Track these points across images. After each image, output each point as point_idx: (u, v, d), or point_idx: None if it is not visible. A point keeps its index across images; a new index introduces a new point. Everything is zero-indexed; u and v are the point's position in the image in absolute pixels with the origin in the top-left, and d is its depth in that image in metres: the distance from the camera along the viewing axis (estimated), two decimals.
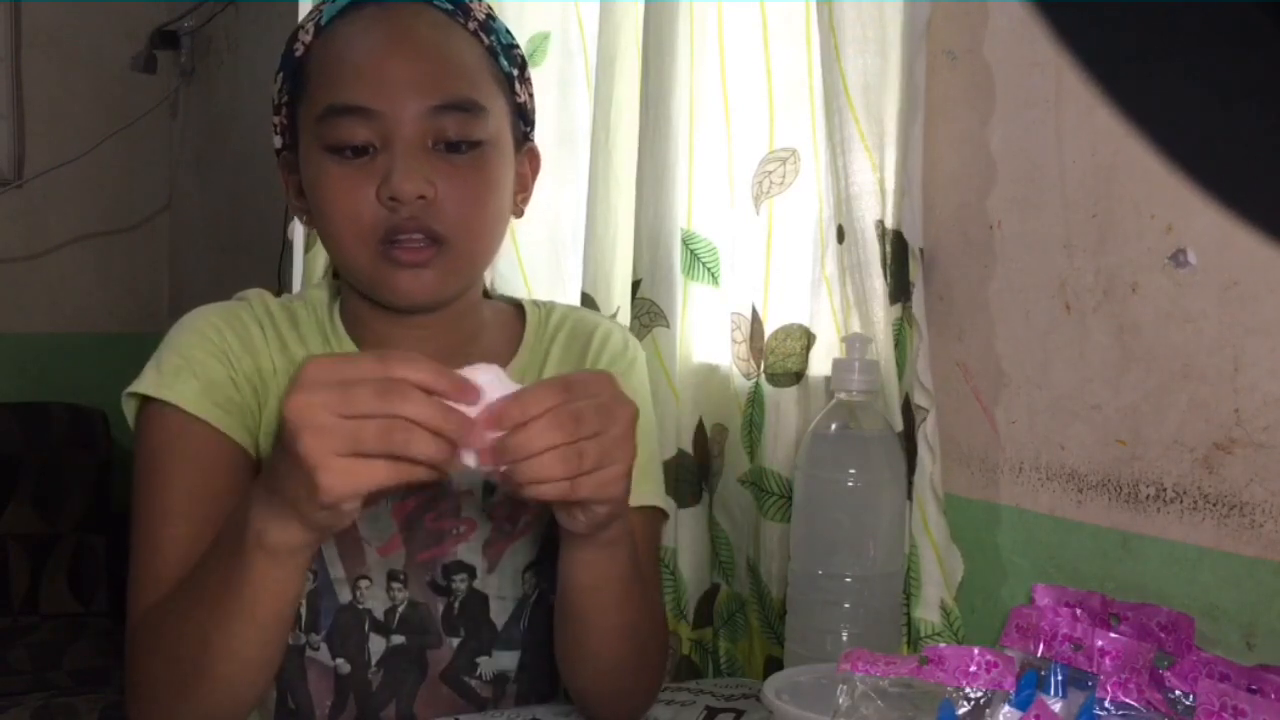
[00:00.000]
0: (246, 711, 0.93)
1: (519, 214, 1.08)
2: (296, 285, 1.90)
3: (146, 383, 0.99)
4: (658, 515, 1.10)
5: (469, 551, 1.05)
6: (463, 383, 0.77)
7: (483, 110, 0.99)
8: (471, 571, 1.05)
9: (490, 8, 1.05)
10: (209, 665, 0.86)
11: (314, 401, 0.75)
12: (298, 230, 1.90)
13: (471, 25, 1.01)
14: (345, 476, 0.75)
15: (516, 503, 1.06)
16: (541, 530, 1.07)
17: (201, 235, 3.18)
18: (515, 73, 1.05)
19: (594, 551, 0.91)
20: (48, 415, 2.88)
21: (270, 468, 0.82)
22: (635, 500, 1.04)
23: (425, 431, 0.75)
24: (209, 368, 1.00)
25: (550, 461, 0.78)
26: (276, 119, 1.05)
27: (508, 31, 1.06)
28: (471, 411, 0.78)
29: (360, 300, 1.04)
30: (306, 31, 1.02)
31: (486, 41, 1.02)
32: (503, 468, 0.79)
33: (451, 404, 0.77)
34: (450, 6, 1.01)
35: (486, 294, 1.13)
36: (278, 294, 1.10)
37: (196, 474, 0.97)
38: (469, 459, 0.78)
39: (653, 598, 1.04)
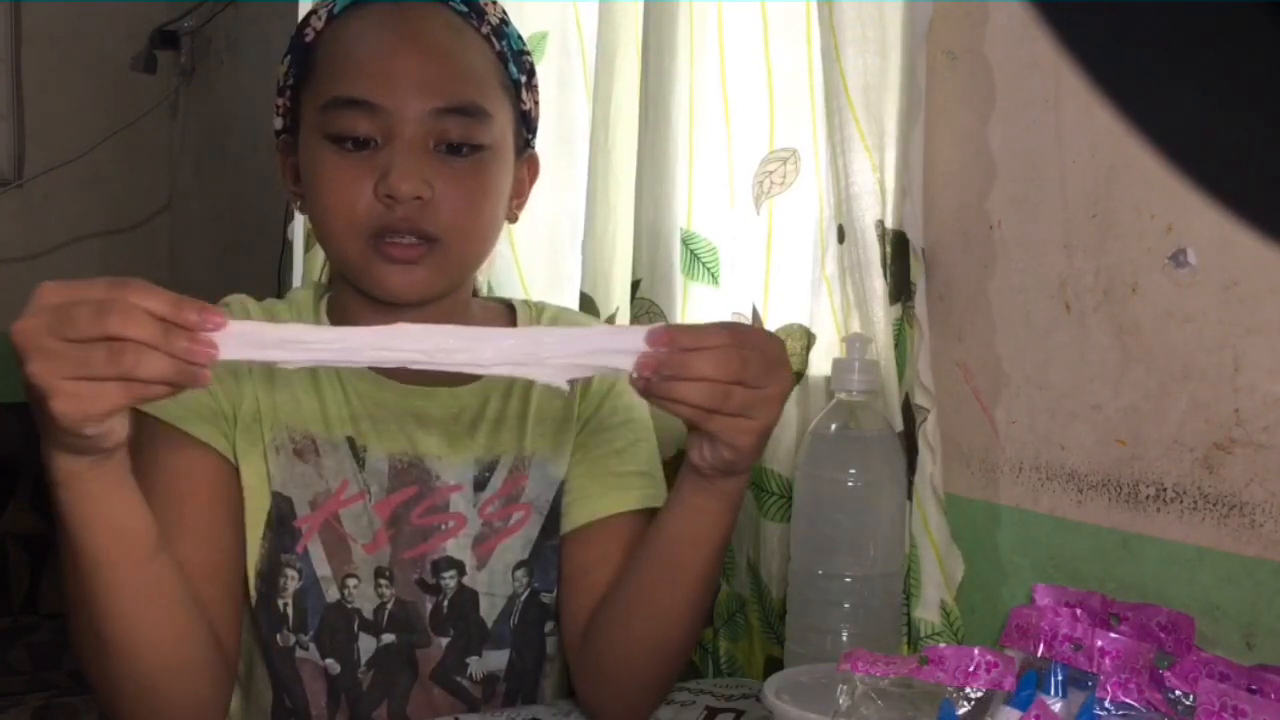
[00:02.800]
0: (189, 684, 0.91)
1: (513, 219, 1.08)
2: (296, 285, 1.90)
3: None
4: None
5: (458, 548, 1.05)
6: (199, 309, 0.75)
7: (487, 116, 0.99)
8: (460, 568, 1.05)
9: (505, 11, 1.05)
10: (99, 628, 0.86)
11: (39, 324, 0.73)
12: (298, 230, 1.90)
13: (485, 29, 1.01)
14: (76, 401, 0.73)
15: (508, 500, 1.06)
16: (533, 528, 1.07)
17: (201, 235, 3.18)
18: (523, 80, 1.05)
19: (705, 499, 0.91)
20: None
21: None
22: (641, 503, 1.04)
23: (153, 351, 0.73)
24: None
25: (699, 390, 0.81)
26: (279, 101, 1.05)
27: (519, 38, 1.06)
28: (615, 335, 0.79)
29: (350, 293, 1.04)
30: (319, 18, 1.02)
31: (498, 47, 1.02)
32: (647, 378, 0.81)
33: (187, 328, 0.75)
34: (465, 9, 1.01)
35: (475, 293, 1.13)
36: (279, 295, 1.11)
37: (172, 481, 0.97)
38: (619, 363, 0.80)
39: (718, 581, 1.04)
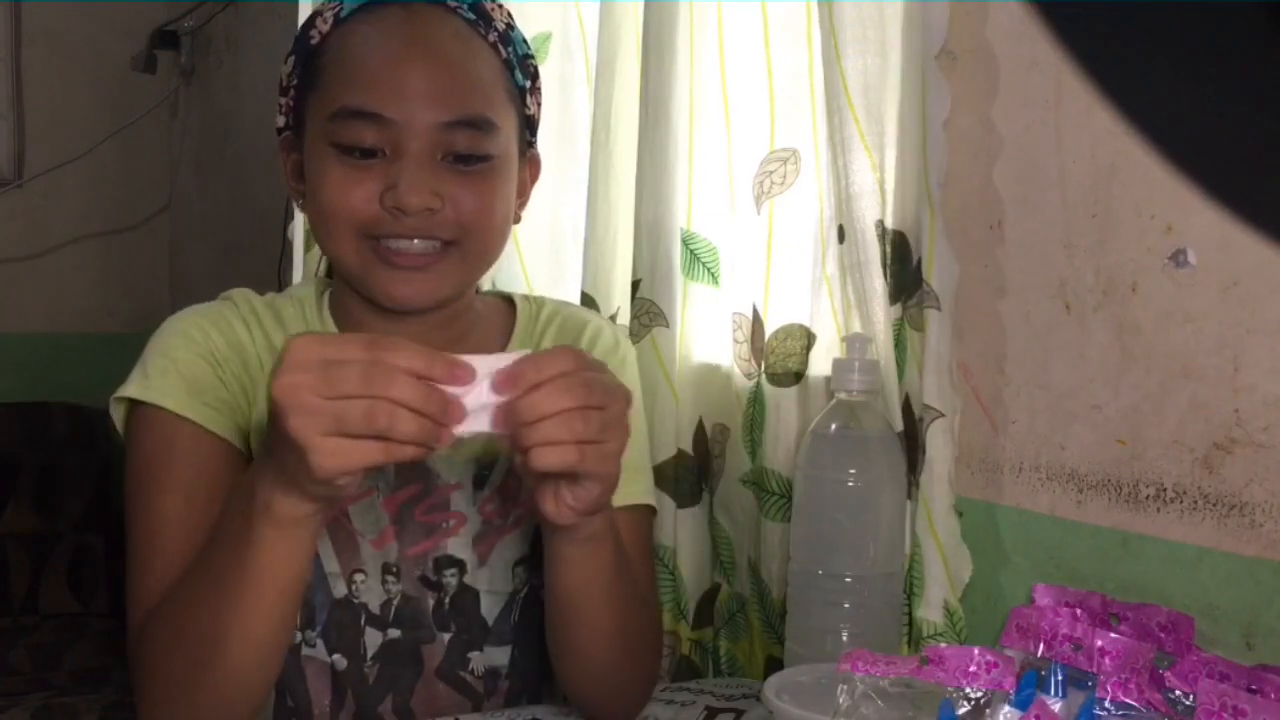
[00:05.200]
0: (254, 706, 0.92)
1: (516, 220, 1.08)
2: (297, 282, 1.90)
3: (133, 387, 0.99)
4: (649, 514, 1.11)
5: (459, 546, 1.05)
6: (453, 364, 0.78)
7: (494, 128, 0.99)
8: (462, 566, 1.05)
9: (510, 15, 1.05)
10: (223, 649, 0.86)
11: (300, 383, 0.75)
12: (298, 230, 1.90)
13: (492, 37, 1.01)
14: (334, 457, 0.76)
15: (506, 497, 1.06)
16: (532, 525, 1.07)
17: (201, 235, 3.18)
18: (528, 85, 1.05)
19: (576, 548, 0.91)
20: (48, 415, 2.88)
21: (269, 442, 0.82)
22: (626, 499, 1.04)
23: (409, 412, 0.75)
24: (195, 368, 0.99)
25: (557, 425, 0.79)
26: (282, 100, 1.05)
27: (524, 41, 1.05)
28: (468, 390, 0.79)
29: (351, 295, 1.04)
30: (325, 20, 1.01)
31: (504, 54, 1.02)
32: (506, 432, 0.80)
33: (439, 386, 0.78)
34: (473, 15, 1.01)
35: (477, 289, 1.13)
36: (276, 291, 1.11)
37: (190, 475, 0.97)
38: (479, 424, 0.79)
39: (645, 596, 1.04)
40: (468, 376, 0.78)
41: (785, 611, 1.14)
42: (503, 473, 1.07)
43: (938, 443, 1.11)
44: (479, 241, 1.00)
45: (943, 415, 1.11)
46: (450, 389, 0.79)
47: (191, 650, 0.88)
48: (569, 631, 0.97)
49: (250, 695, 0.91)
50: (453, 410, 0.78)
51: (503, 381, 0.79)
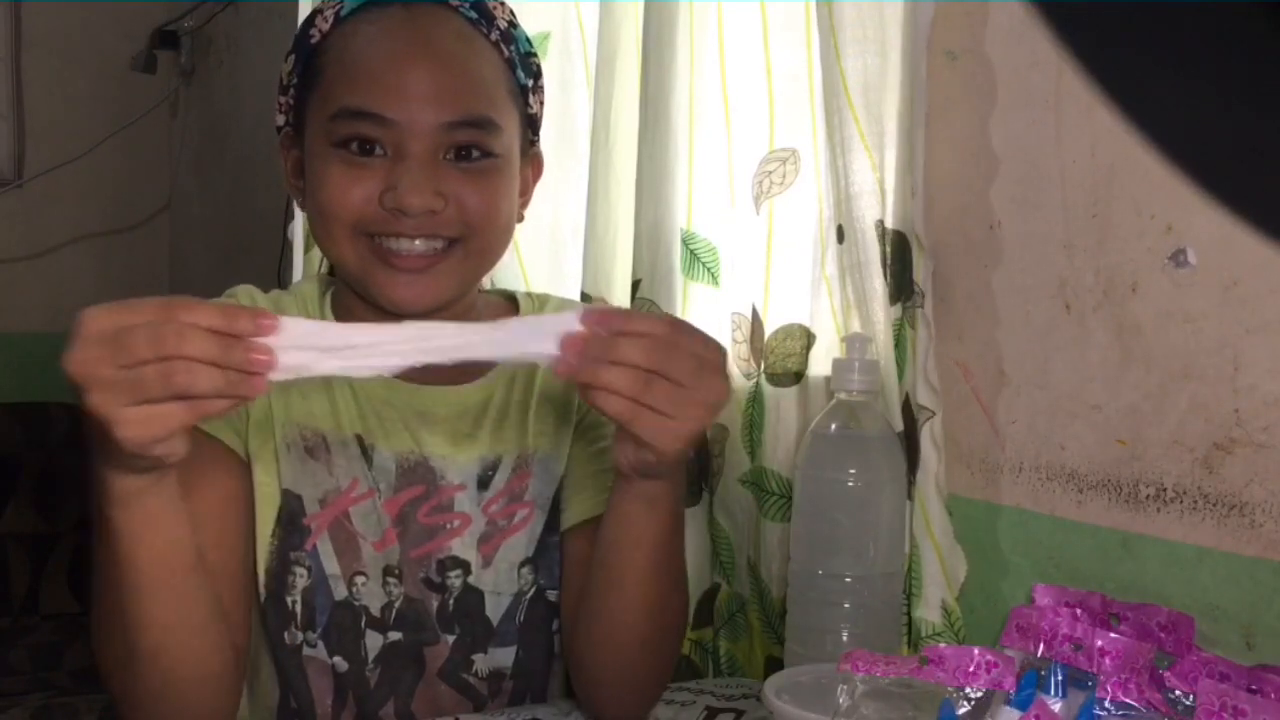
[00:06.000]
0: (209, 702, 0.92)
1: (519, 219, 1.08)
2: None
3: None
4: None
5: (463, 547, 1.05)
6: (258, 315, 0.75)
7: (496, 128, 0.99)
8: (466, 567, 1.05)
9: (513, 13, 1.05)
10: (134, 638, 0.86)
11: (91, 356, 0.73)
12: (298, 230, 1.89)
13: (494, 35, 1.01)
14: (140, 426, 0.74)
15: (511, 498, 1.06)
16: (537, 526, 1.07)
17: (201, 235, 3.18)
18: (530, 83, 1.04)
19: (633, 505, 0.91)
20: (48, 415, 2.88)
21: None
22: None
23: (209, 368, 0.73)
24: None
25: (620, 375, 0.79)
26: (282, 99, 1.05)
27: (527, 40, 1.05)
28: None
29: (352, 296, 1.04)
30: (325, 19, 1.01)
31: (506, 53, 1.01)
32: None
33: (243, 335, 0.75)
34: (474, 14, 1.00)
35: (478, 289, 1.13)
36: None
37: (184, 478, 0.97)
38: (543, 345, 0.79)
39: (682, 584, 1.03)
40: (270, 325, 0.75)
41: (785, 611, 1.14)
42: (507, 474, 1.07)
43: (928, 442, 1.11)
44: (483, 240, 1.00)
45: (935, 415, 1.11)
46: (463, 331, 0.79)
47: (116, 645, 0.88)
48: (608, 599, 0.96)
49: (192, 688, 0.90)
50: (257, 359, 0.74)
51: (590, 318, 0.79)
